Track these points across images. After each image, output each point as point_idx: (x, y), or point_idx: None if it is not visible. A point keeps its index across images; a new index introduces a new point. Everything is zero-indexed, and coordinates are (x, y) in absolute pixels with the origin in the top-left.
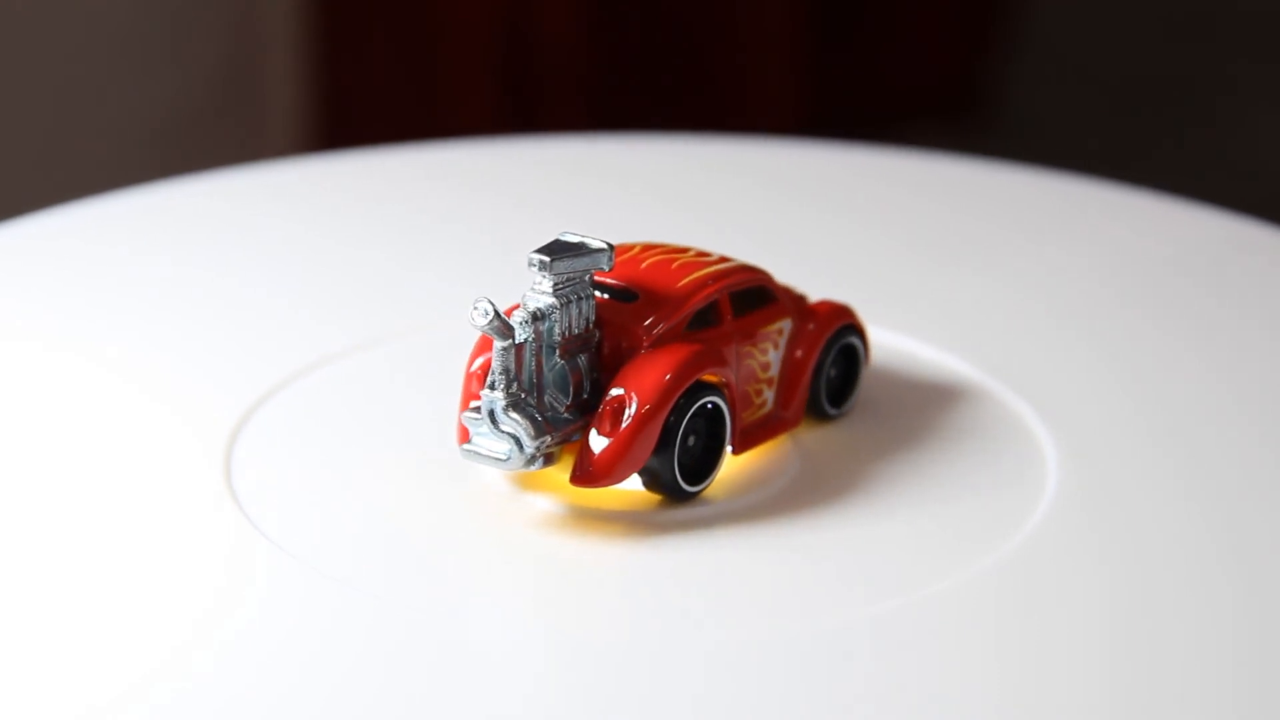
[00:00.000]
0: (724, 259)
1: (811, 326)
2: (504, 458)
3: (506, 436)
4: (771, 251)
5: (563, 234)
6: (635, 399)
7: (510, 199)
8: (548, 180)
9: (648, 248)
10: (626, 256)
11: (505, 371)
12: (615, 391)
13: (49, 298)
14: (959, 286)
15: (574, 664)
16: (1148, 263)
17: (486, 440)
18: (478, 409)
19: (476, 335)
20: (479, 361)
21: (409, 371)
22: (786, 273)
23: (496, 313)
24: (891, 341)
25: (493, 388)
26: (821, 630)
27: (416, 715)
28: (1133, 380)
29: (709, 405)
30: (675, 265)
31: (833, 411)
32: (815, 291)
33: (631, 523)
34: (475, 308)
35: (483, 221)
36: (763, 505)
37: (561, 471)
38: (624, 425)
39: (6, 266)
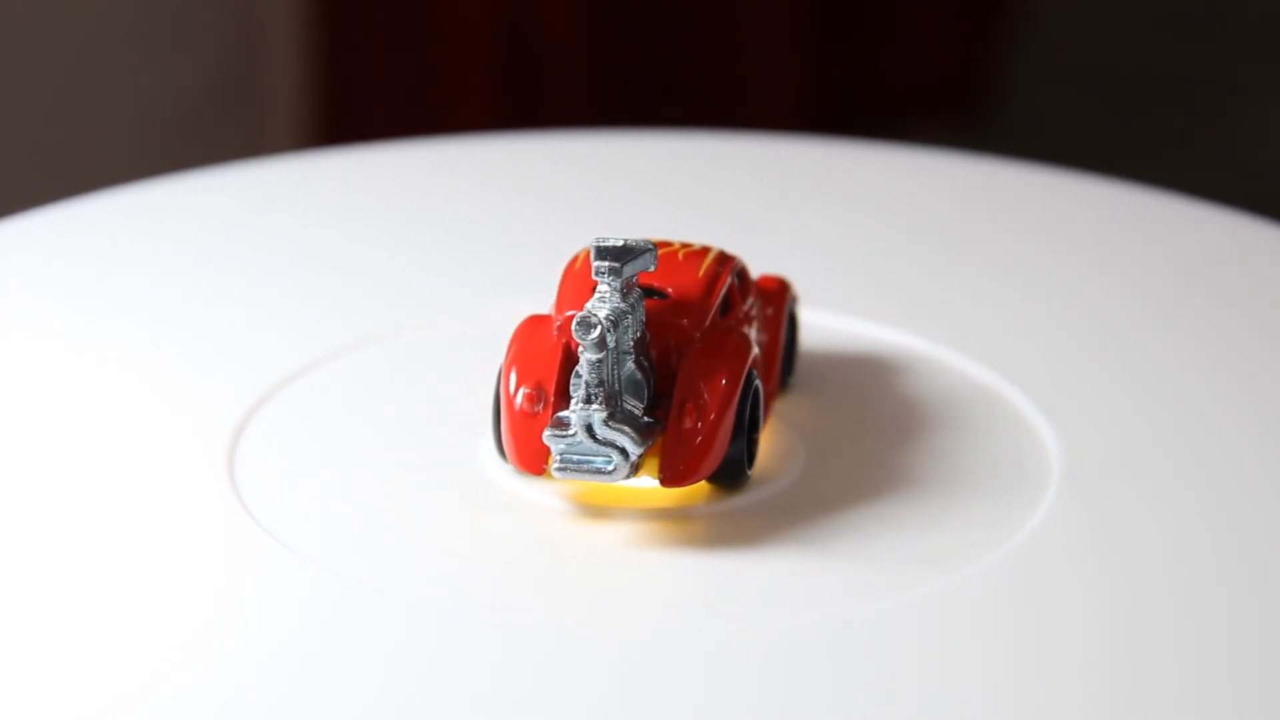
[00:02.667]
0: (706, 247)
1: (770, 307)
2: (610, 469)
3: (605, 449)
4: (771, 246)
5: (598, 240)
6: (709, 394)
7: (513, 194)
8: (550, 175)
9: None
10: None
11: (601, 384)
12: (687, 389)
13: (50, 294)
14: (959, 283)
15: (576, 661)
16: (1149, 261)
17: (580, 455)
18: (562, 424)
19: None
20: (515, 379)
21: (412, 368)
22: (786, 267)
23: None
24: (889, 337)
25: (589, 401)
26: (822, 628)
27: (418, 713)
28: (1135, 379)
29: (755, 388)
30: (681, 257)
31: (789, 380)
32: (817, 287)
33: (632, 519)
34: (585, 322)
35: (485, 217)
36: (763, 502)
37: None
38: (708, 421)
39: (8, 262)
